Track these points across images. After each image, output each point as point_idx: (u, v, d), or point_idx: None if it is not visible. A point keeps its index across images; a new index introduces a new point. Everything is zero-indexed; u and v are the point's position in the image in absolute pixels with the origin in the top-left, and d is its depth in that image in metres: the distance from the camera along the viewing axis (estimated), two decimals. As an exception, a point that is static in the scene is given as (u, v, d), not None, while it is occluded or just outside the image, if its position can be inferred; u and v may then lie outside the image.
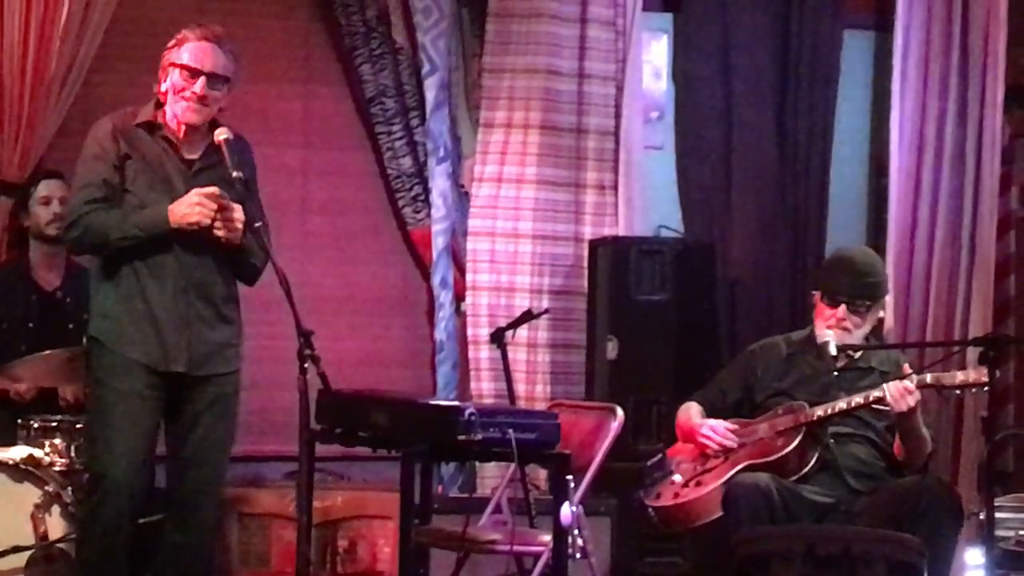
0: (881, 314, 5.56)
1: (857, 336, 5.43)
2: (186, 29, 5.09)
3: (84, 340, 5.20)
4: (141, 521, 5.16)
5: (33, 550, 5.42)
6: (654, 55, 7.38)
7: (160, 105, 5.08)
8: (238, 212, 4.97)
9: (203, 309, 5.04)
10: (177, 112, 5.03)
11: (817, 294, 5.52)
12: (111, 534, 4.98)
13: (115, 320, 5.02)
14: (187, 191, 4.98)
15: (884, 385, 5.19)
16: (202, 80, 5.00)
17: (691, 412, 5.58)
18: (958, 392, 5.19)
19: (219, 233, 4.96)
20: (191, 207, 4.94)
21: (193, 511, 5.09)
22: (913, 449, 5.30)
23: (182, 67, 5.01)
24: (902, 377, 5.20)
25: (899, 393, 5.13)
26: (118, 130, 5.04)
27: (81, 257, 5.77)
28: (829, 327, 5.40)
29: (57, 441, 5.61)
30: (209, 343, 5.06)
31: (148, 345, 4.99)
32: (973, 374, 5.04)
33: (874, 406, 5.25)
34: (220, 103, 5.08)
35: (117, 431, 4.96)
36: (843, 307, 5.40)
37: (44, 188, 6.08)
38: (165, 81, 5.05)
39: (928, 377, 5.16)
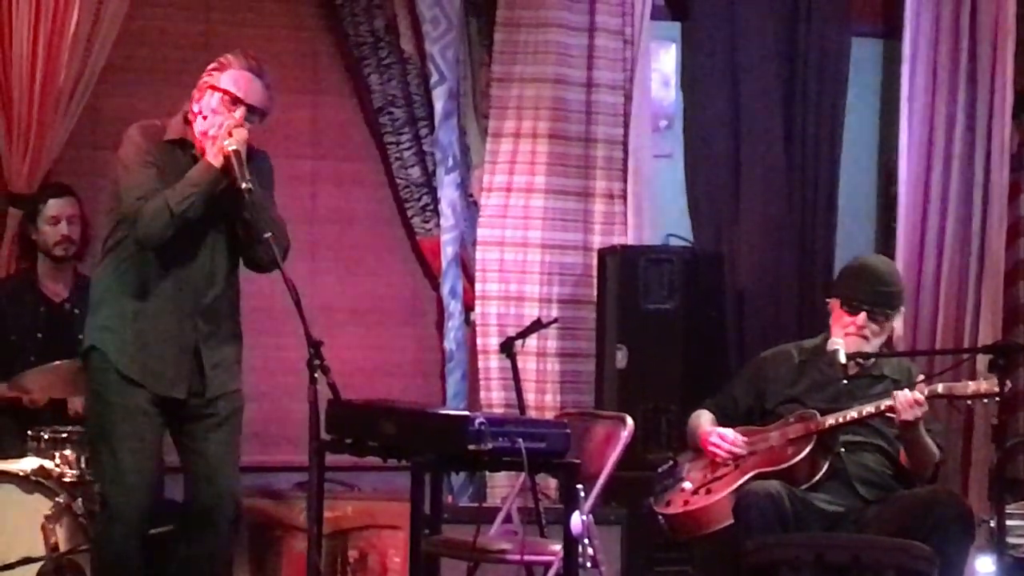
0: (896, 324, 5.55)
1: (874, 344, 5.42)
2: (231, 54, 5.05)
3: (80, 350, 5.18)
4: (152, 532, 5.16)
5: (43, 562, 5.42)
6: (662, 64, 7.38)
7: (188, 122, 5.06)
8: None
9: (208, 329, 5.04)
10: (210, 137, 4.98)
11: (834, 301, 5.50)
12: (122, 551, 4.98)
13: (116, 334, 5.00)
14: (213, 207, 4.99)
15: (895, 392, 5.18)
16: (242, 110, 4.99)
17: (702, 419, 5.58)
18: (969, 402, 5.18)
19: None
20: (215, 141, 4.93)
21: (209, 524, 5.07)
22: (916, 459, 5.30)
23: (224, 92, 4.99)
24: (914, 386, 5.19)
25: (907, 403, 5.13)
26: (151, 143, 5.03)
27: (86, 268, 5.78)
28: (848, 334, 5.39)
29: (67, 452, 5.60)
30: (217, 364, 5.06)
31: (147, 369, 4.97)
32: (984, 384, 5.03)
33: (885, 414, 5.25)
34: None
35: (123, 450, 4.95)
36: (863, 315, 5.39)
37: (53, 207, 6.07)
38: (199, 101, 5.02)
39: (940, 387, 5.16)
